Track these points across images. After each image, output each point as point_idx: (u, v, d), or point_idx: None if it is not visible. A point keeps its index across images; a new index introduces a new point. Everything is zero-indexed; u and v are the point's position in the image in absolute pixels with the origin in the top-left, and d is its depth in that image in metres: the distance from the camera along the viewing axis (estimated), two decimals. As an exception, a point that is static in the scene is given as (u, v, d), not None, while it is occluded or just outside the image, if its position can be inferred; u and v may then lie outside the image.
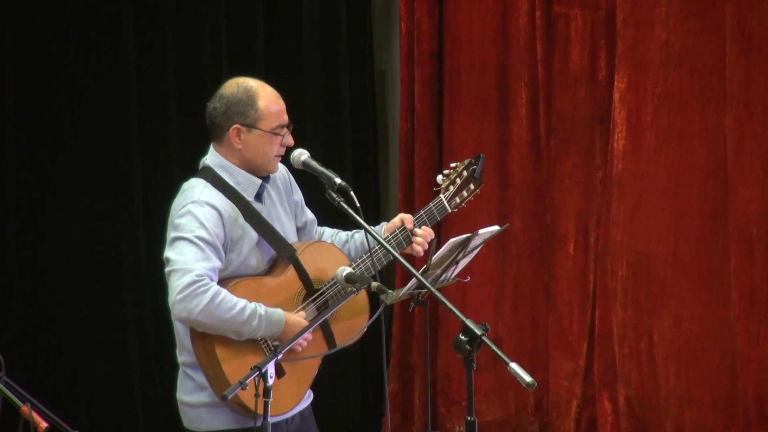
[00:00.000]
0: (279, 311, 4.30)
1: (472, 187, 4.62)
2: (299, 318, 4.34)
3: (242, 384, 3.79)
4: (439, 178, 4.62)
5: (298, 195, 4.62)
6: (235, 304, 4.22)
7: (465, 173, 4.62)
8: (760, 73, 6.18)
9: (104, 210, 6.33)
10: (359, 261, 4.44)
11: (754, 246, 6.20)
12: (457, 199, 4.60)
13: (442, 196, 4.58)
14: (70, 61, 6.24)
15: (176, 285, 4.19)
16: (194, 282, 4.17)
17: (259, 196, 4.44)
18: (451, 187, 4.60)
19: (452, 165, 4.64)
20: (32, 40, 6.17)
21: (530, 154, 6.89)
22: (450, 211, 4.59)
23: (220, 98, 4.42)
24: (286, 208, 4.54)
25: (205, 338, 4.27)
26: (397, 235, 4.52)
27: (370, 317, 4.43)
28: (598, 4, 6.68)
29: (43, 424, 3.83)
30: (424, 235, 4.53)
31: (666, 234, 6.45)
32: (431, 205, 4.57)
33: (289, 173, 4.60)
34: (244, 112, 4.37)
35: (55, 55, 6.21)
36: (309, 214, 4.65)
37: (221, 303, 4.20)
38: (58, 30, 6.21)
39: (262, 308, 4.27)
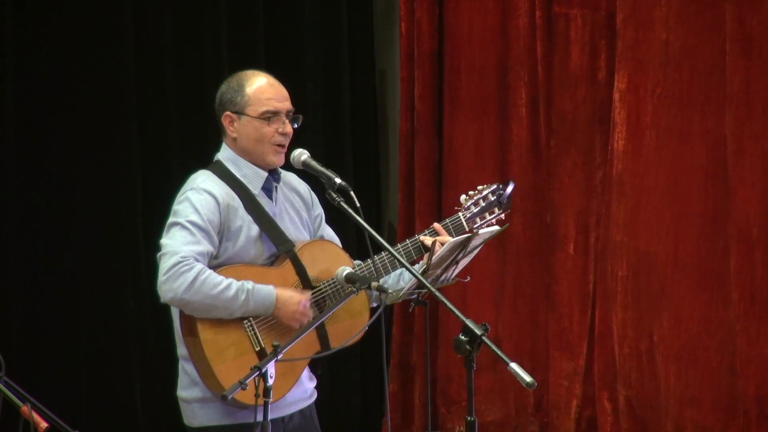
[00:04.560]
0: (269, 287, 4.29)
1: (496, 211, 4.60)
2: (292, 292, 4.32)
3: (242, 384, 3.79)
4: (462, 197, 4.59)
5: (318, 210, 4.63)
6: (221, 281, 4.23)
7: (491, 197, 4.59)
8: (760, 73, 6.18)
9: (104, 209, 6.34)
10: (363, 266, 4.43)
11: (754, 246, 6.21)
12: (478, 220, 4.57)
13: (460, 214, 4.56)
14: (70, 61, 6.24)
15: (162, 268, 4.23)
16: (178, 263, 4.20)
17: (269, 193, 4.45)
18: (473, 208, 4.58)
19: (479, 187, 4.61)
20: (32, 39, 6.17)
21: (530, 154, 6.89)
22: (467, 230, 4.53)
23: (219, 89, 4.48)
24: (303, 218, 4.54)
25: (193, 332, 4.27)
26: (407, 245, 4.51)
27: (369, 319, 4.43)
28: (598, 4, 6.68)
29: (43, 424, 3.83)
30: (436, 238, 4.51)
31: (666, 234, 6.45)
32: (447, 221, 4.56)
33: (312, 191, 4.62)
34: (233, 99, 4.42)
35: (55, 54, 6.22)
36: (328, 231, 4.64)
37: (206, 280, 4.21)
38: (58, 29, 6.22)
39: (249, 284, 4.27)
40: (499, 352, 3.66)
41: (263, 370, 3.82)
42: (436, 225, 4.53)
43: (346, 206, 4.18)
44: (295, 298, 4.31)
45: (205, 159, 4.58)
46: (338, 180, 4.27)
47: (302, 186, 4.60)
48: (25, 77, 6.15)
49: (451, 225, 4.55)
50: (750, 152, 6.21)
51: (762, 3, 6.17)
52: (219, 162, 4.46)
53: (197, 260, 4.23)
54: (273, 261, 4.42)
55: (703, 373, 6.38)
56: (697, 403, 6.39)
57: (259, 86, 4.42)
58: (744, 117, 6.21)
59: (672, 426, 6.44)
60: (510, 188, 4.60)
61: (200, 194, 4.33)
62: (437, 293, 3.90)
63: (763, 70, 6.17)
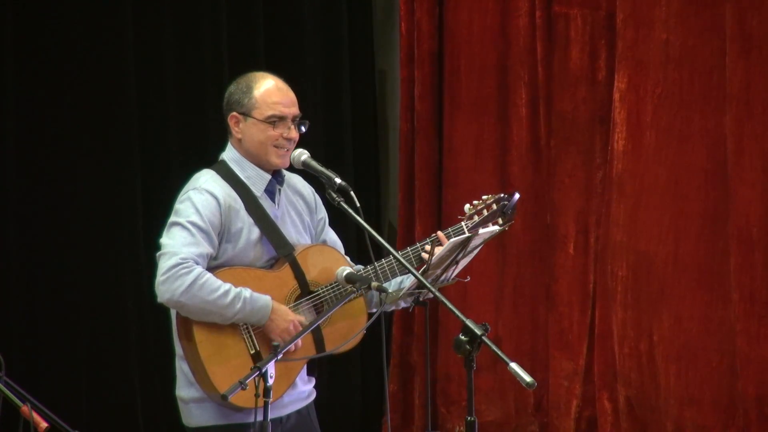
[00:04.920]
0: (266, 297, 4.30)
1: (500, 221, 4.59)
2: (288, 309, 4.33)
3: (242, 384, 3.80)
4: (467, 207, 4.58)
5: (322, 213, 4.62)
6: (219, 286, 4.24)
7: (494, 206, 4.57)
8: (760, 73, 6.18)
9: (104, 209, 6.34)
10: (364, 271, 4.43)
11: (754, 246, 6.20)
12: (480, 230, 4.57)
13: (463, 224, 4.55)
14: (70, 61, 6.24)
15: (161, 268, 4.24)
16: (178, 264, 4.20)
17: (271, 195, 4.44)
18: (476, 217, 4.57)
19: (483, 197, 4.59)
20: (32, 39, 6.17)
21: (530, 154, 6.89)
22: None
23: (227, 89, 4.48)
24: (306, 221, 4.54)
25: (188, 333, 4.28)
26: (408, 252, 4.50)
27: (365, 324, 4.42)
28: (598, 4, 6.68)
29: (43, 424, 3.83)
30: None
31: (666, 234, 6.45)
32: (450, 230, 4.55)
33: (316, 194, 4.61)
34: (240, 100, 4.42)
35: (55, 54, 6.21)
36: (331, 234, 4.63)
37: (204, 285, 4.21)
38: (58, 29, 6.22)
39: (247, 292, 4.27)
40: (499, 352, 3.67)
41: (263, 370, 3.82)
42: (440, 233, 4.52)
43: (346, 206, 4.19)
44: (289, 315, 4.31)
45: (205, 159, 4.58)
46: (338, 180, 4.27)
47: (306, 189, 4.60)
48: (25, 77, 6.15)
49: (453, 234, 4.54)
50: (750, 152, 6.21)
51: (762, 3, 6.17)
52: (223, 162, 4.46)
53: (197, 263, 4.24)
54: (272, 264, 4.42)
55: (703, 373, 6.38)
56: (697, 403, 6.38)
57: (268, 89, 4.42)
58: (744, 117, 6.21)
59: (672, 426, 6.44)
60: (515, 199, 4.59)
61: (202, 194, 4.33)
62: (437, 293, 3.90)
63: (763, 70, 6.17)
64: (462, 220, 4.57)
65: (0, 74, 6.09)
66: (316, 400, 4.62)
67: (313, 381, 4.57)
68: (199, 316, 4.26)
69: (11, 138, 6.12)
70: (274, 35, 6.92)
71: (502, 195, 4.60)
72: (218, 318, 4.26)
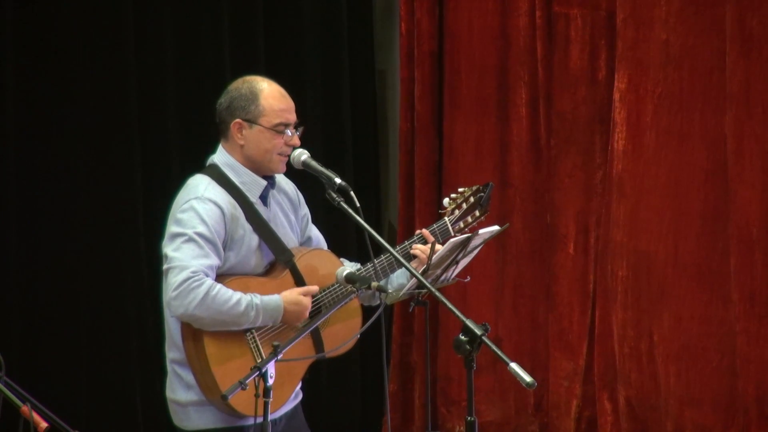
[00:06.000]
0: (275, 297, 4.31)
1: (477, 213, 4.60)
2: (296, 294, 4.34)
3: (242, 384, 3.80)
4: (446, 201, 4.61)
5: (305, 210, 4.63)
6: (231, 296, 4.24)
7: (472, 199, 4.60)
8: (760, 73, 6.18)
9: (104, 210, 6.33)
10: (363, 269, 4.43)
11: (754, 246, 6.21)
12: (461, 224, 4.58)
13: (446, 219, 4.58)
14: (71, 61, 6.24)
15: (171, 283, 4.21)
16: (189, 278, 4.19)
17: (264, 199, 4.45)
18: (457, 211, 4.59)
19: (460, 190, 4.62)
20: (32, 40, 6.17)
21: (530, 154, 6.89)
22: (453, 234, 4.55)
23: (226, 93, 4.47)
24: (292, 220, 4.55)
25: (196, 338, 4.28)
26: (397, 250, 4.50)
27: (363, 323, 4.43)
28: (598, 4, 6.68)
29: (43, 424, 3.83)
30: (424, 250, 4.51)
31: (666, 234, 6.45)
32: (434, 226, 4.56)
33: (299, 191, 4.62)
34: (245, 107, 4.39)
35: (55, 54, 6.21)
36: (314, 231, 4.65)
37: (216, 296, 4.21)
38: (58, 29, 6.22)
39: (257, 298, 4.28)
40: (499, 352, 3.66)
41: (263, 370, 3.82)
42: (424, 231, 4.53)
43: (346, 206, 4.19)
44: (300, 300, 4.32)
45: (205, 160, 4.57)
46: (338, 180, 4.27)
47: (289, 186, 4.60)
48: (25, 78, 6.15)
49: (438, 230, 4.55)
50: (750, 152, 6.21)
51: (762, 3, 6.17)
52: (216, 166, 4.44)
53: (207, 275, 4.23)
54: (271, 269, 4.43)
55: (703, 373, 6.38)
56: (697, 403, 6.39)
57: (273, 97, 4.41)
58: (744, 117, 6.21)
59: (672, 426, 6.44)
60: (489, 189, 4.62)
61: (205, 204, 4.31)
62: (437, 293, 3.90)
63: (763, 70, 6.18)
64: (444, 215, 4.58)
65: (0, 75, 6.09)
66: (316, 400, 4.63)
67: (299, 382, 4.57)
68: (213, 327, 4.26)
69: (11, 138, 6.12)
70: (274, 35, 6.92)
71: (478, 186, 4.62)
72: (233, 327, 4.27)
